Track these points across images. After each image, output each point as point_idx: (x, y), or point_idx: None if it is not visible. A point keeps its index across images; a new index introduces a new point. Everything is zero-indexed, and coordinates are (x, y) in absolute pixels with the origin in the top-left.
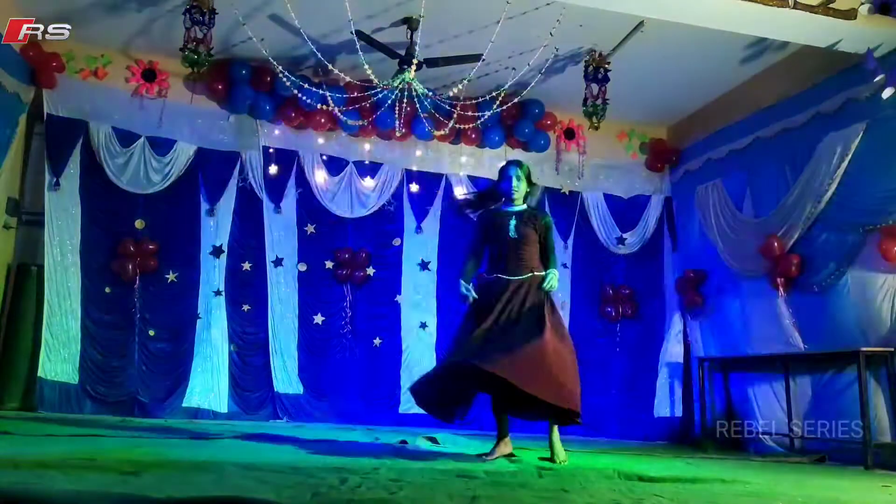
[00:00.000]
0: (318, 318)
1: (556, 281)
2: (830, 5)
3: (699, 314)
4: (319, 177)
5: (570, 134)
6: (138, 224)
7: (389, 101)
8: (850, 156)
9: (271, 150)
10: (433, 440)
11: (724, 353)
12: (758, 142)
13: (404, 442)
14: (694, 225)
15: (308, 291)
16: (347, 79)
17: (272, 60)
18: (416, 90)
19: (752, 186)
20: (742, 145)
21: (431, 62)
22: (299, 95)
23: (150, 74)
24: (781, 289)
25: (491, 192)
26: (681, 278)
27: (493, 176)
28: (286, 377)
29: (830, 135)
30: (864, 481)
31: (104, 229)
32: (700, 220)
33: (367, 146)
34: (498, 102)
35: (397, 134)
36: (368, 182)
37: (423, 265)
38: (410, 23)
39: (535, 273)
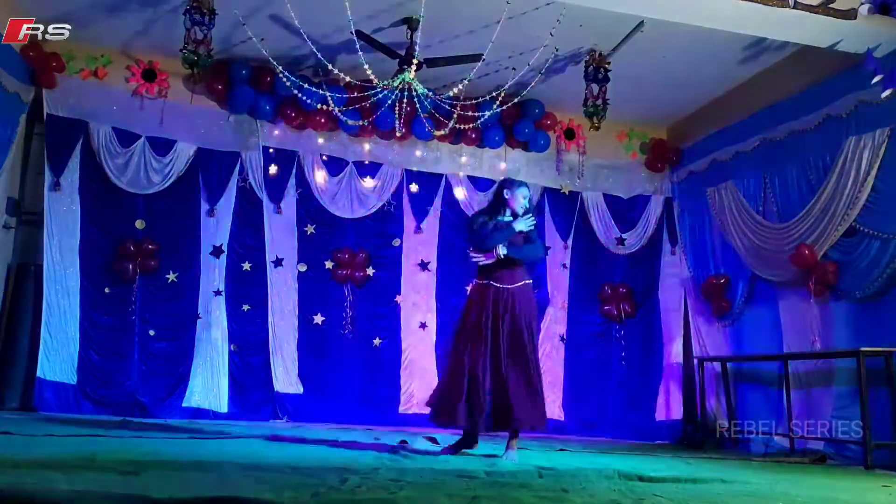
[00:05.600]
0: (318, 318)
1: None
2: (830, 5)
3: (721, 319)
4: (319, 177)
5: (570, 134)
6: (138, 224)
7: (389, 101)
8: (879, 162)
9: (271, 150)
10: (433, 440)
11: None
12: (766, 143)
13: (404, 442)
14: (706, 227)
15: (308, 291)
16: (347, 79)
17: (272, 60)
18: (416, 90)
19: (771, 190)
20: (749, 147)
21: (431, 62)
22: (299, 95)
23: (150, 74)
24: (815, 296)
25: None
26: (705, 283)
27: (493, 176)
28: (286, 377)
29: (851, 139)
30: (864, 481)
31: (104, 229)
32: (718, 223)
33: (367, 146)
34: (498, 102)
35: (397, 134)
36: (368, 182)
37: (423, 265)
38: (410, 23)
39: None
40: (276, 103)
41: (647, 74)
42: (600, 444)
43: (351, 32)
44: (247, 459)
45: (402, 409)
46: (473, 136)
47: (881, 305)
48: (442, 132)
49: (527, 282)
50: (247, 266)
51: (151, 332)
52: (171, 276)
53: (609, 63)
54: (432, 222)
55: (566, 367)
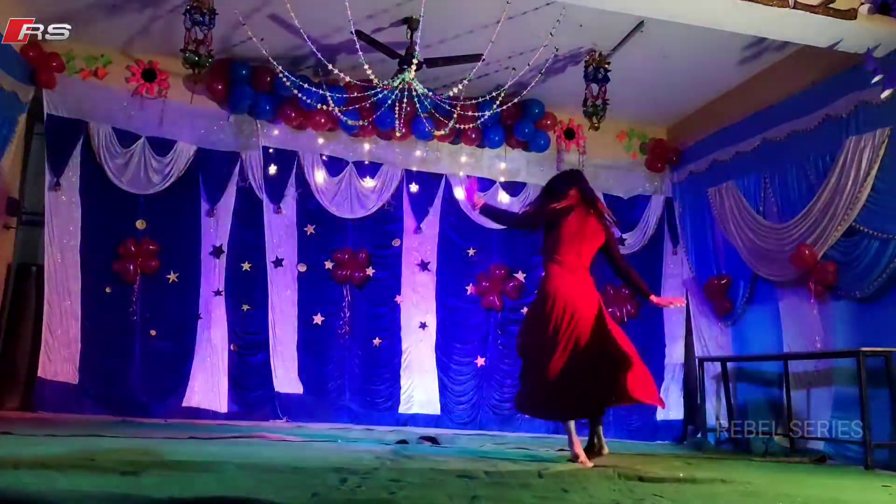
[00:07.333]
0: (318, 319)
1: None
2: (830, 5)
3: (723, 319)
4: (319, 177)
5: (570, 134)
6: (139, 224)
7: (389, 101)
8: (879, 162)
9: (271, 150)
10: (433, 440)
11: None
12: (767, 143)
13: (404, 442)
14: (707, 227)
15: (308, 292)
16: (347, 79)
17: (272, 60)
18: (416, 90)
19: (771, 190)
20: (750, 147)
21: (431, 62)
22: (299, 95)
23: (150, 74)
24: (815, 296)
25: None
26: (707, 283)
27: (493, 176)
28: (286, 377)
29: (851, 139)
30: (864, 481)
31: (104, 230)
32: (719, 223)
33: (367, 146)
34: (498, 102)
35: (397, 134)
36: (368, 182)
37: (423, 265)
38: (410, 23)
39: None
40: (276, 103)
41: (647, 74)
42: None
43: (351, 32)
44: (247, 459)
45: (402, 409)
46: (473, 136)
47: (881, 305)
48: (442, 132)
49: None
50: (247, 266)
51: (152, 332)
52: (172, 276)
53: (609, 63)
54: (432, 222)
55: None
